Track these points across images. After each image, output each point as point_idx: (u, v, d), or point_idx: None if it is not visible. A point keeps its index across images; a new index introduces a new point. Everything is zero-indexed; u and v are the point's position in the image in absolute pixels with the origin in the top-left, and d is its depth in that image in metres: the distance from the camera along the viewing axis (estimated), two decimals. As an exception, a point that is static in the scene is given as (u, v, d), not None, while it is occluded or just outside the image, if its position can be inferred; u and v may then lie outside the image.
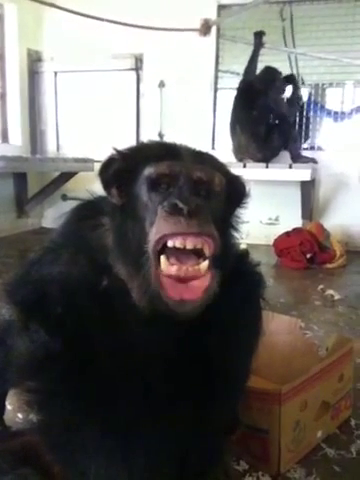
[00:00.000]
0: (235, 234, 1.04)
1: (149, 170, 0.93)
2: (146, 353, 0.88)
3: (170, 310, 0.87)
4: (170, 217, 0.87)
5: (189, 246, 0.87)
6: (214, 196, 0.95)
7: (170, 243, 0.87)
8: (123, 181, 0.97)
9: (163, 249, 0.89)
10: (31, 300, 0.94)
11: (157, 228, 0.88)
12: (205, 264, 0.88)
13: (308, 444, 1.40)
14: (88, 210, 1.09)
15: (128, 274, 0.95)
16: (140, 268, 0.90)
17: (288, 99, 4.57)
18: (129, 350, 0.88)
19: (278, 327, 1.66)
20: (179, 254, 0.90)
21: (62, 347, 0.88)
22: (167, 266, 0.87)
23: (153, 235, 0.89)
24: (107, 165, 0.98)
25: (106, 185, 0.99)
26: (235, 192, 1.01)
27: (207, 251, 0.89)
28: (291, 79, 4.57)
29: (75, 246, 0.99)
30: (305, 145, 4.84)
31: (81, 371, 0.87)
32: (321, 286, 3.23)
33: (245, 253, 1.11)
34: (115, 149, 0.99)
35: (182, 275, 0.87)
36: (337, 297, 3.03)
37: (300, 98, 4.71)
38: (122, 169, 0.97)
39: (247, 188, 1.05)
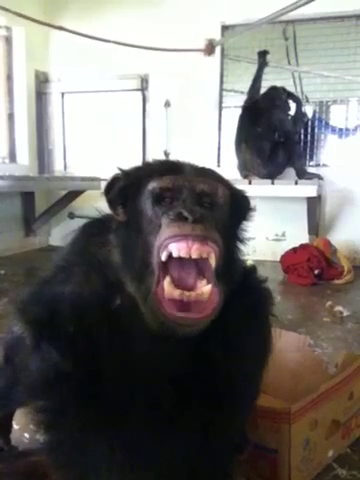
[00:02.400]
0: (241, 247, 1.04)
1: (152, 185, 0.94)
2: (155, 370, 0.87)
3: (170, 329, 0.87)
4: (175, 223, 0.87)
5: (194, 255, 0.86)
6: (218, 208, 0.95)
7: (175, 252, 0.87)
8: (127, 198, 0.98)
9: (167, 263, 0.89)
10: (43, 319, 0.93)
11: (161, 234, 0.89)
12: (208, 288, 0.88)
13: (318, 464, 1.37)
14: (96, 228, 1.10)
15: (134, 289, 0.95)
16: (144, 282, 0.91)
17: (292, 116, 4.61)
18: (138, 368, 0.88)
19: (286, 344, 1.64)
20: (181, 269, 0.90)
21: (73, 366, 0.88)
22: (171, 289, 0.87)
23: (157, 242, 0.89)
24: (111, 184, 1.00)
25: (111, 203, 1.00)
26: (239, 205, 1.02)
27: (212, 260, 0.88)
28: (293, 97, 4.61)
29: (86, 264, 0.98)
30: (310, 162, 4.86)
31: (91, 389, 0.87)
32: (329, 302, 3.21)
33: (253, 269, 1.11)
34: (119, 168, 1.02)
35: (185, 300, 0.87)
36: (346, 313, 2.99)
37: (304, 115, 4.75)
38: (126, 186, 0.98)
39: (251, 202, 1.06)
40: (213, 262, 0.89)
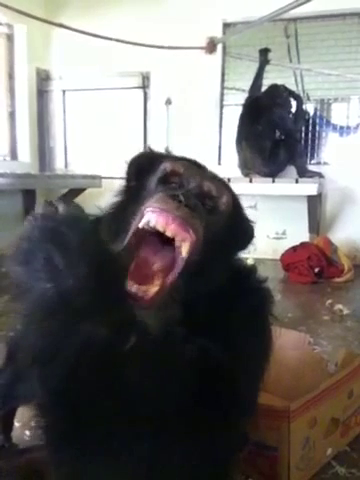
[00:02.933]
0: (227, 265, 1.02)
1: (166, 164, 0.96)
2: (156, 382, 0.85)
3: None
4: (165, 198, 0.87)
5: (169, 233, 0.85)
6: (217, 213, 0.95)
7: (152, 221, 0.85)
8: (141, 173, 1.00)
9: (141, 240, 0.89)
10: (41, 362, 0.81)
11: (148, 203, 0.88)
12: (153, 290, 0.85)
13: (318, 462, 1.38)
14: (95, 226, 1.10)
15: None
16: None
17: (293, 114, 4.60)
18: (139, 388, 0.82)
19: (286, 342, 1.65)
20: (150, 255, 0.89)
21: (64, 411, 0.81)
22: (132, 270, 0.86)
23: (141, 209, 0.89)
24: (137, 157, 1.04)
25: (128, 173, 1.03)
26: (241, 230, 1.01)
27: (185, 249, 0.86)
28: (294, 95, 4.61)
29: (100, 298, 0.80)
30: (311, 160, 4.86)
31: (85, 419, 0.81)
32: (329, 301, 3.21)
33: (253, 269, 1.11)
34: (149, 147, 1.06)
35: (133, 292, 0.84)
36: (346, 312, 3.00)
37: (305, 113, 4.74)
38: (147, 160, 1.01)
39: (254, 234, 1.03)
40: (184, 251, 0.86)
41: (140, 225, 0.87)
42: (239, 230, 1.01)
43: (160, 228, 0.85)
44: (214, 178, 0.98)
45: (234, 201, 1.00)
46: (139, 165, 1.02)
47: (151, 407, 0.82)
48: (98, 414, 0.80)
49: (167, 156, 1.02)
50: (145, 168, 1.00)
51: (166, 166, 0.95)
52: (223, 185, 0.99)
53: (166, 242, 0.89)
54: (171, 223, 0.84)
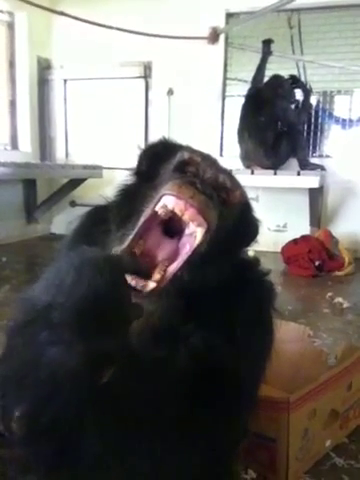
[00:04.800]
0: (233, 256, 1.02)
1: (184, 153, 0.96)
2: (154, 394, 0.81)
3: None
4: (182, 183, 0.87)
5: (186, 217, 0.85)
6: (230, 206, 0.94)
7: (170, 204, 0.85)
8: (155, 161, 1.00)
9: (150, 228, 0.88)
10: (11, 400, 0.75)
11: (165, 186, 0.88)
12: (151, 286, 0.83)
13: (316, 453, 1.39)
14: (101, 214, 1.10)
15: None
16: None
17: (298, 106, 4.58)
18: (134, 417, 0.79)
19: (286, 335, 1.65)
20: (158, 242, 0.88)
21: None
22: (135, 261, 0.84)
23: (157, 193, 0.89)
24: (153, 144, 1.04)
25: (141, 159, 1.02)
26: (247, 227, 1.01)
27: (199, 236, 0.86)
28: (299, 83, 4.57)
29: (73, 328, 0.69)
30: (313, 153, 4.84)
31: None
32: (330, 294, 3.21)
33: (255, 261, 1.11)
34: (163, 136, 1.07)
35: (132, 284, 0.83)
36: (346, 305, 3.01)
37: (311, 106, 4.71)
38: (162, 149, 1.01)
39: (258, 230, 1.04)
40: (199, 237, 0.86)
41: (157, 208, 0.87)
42: (247, 225, 1.01)
43: (178, 211, 0.85)
44: (228, 172, 0.98)
45: (245, 196, 1.00)
46: (154, 152, 1.02)
47: (148, 407, 0.82)
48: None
49: (183, 146, 1.02)
50: (160, 155, 1.00)
51: (184, 154, 0.95)
52: (236, 179, 0.99)
53: (169, 234, 0.89)
54: (189, 208, 0.85)
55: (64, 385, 0.68)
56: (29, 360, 0.70)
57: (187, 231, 0.87)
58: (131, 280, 0.82)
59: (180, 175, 0.92)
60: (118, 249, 0.86)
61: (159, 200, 0.88)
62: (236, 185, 0.97)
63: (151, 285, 0.84)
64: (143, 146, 1.05)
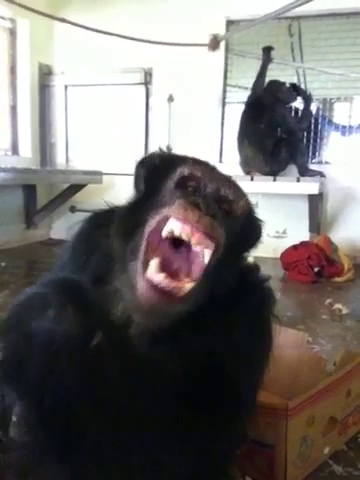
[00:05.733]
0: (239, 264, 1.03)
1: (183, 168, 0.94)
2: (149, 396, 0.83)
3: (140, 310, 0.87)
4: (187, 205, 0.87)
5: (194, 241, 0.86)
6: (233, 216, 0.95)
7: (177, 230, 0.86)
8: (154, 175, 0.98)
9: (160, 245, 0.89)
10: (10, 364, 0.83)
11: (170, 210, 0.88)
12: (190, 286, 0.87)
13: (315, 460, 1.38)
14: (103, 219, 1.10)
15: (122, 279, 0.95)
16: (135, 258, 0.89)
17: (300, 113, 4.59)
18: (126, 402, 0.81)
19: (285, 341, 1.64)
20: (171, 255, 0.89)
21: (40, 411, 0.81)
22: (154, 272, 0.86)
23: (162, 215, 0.89)
24: (149, 158, 1.02)
25: (137, 176, 1.01)
26: (251, 229, 1.01)
27: (207, 256, 0.88)
28: (299, 90, 4.59)
29: (63, 295, 0.82)
30: (313, 159, 4.85)
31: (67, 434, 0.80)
32: (329, 300, 3.21)
33: (255, 268, 1.11)
34: (160, 148, 1.03)
35: (163, 286, 0.86)
36: (345, 311, 3.00)
37: (311, 114, 4.73)
38: (159, 164, 0.99)
39: (262, 231, 1.05)
40: (207, 258, 0.88)
41: (164, 234, 0.88)
42: (251, 230, 1.01)
43: (185, 237, 0.86)
44: (229, 182, 0.97)
45: (248, 203, 0.99)
46: (152, 167, 1.00)
47: (142, 407, 0.82)
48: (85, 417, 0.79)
49: (180, 157, 1.01)
50: (159, 169, 0.98)
51: (184, 170, 0.94)
52: (238, 188, 0.98)
53: (179, 244, 0.91)
54: (195, 233, 0.86)
55: (60, 349, 0.76)
56: (27, 332, 0.79)
57: (198, 249, 0.89)
58: (163, 280, 0.85)
59: (182, 192, 0.92)
60: (134, 263, 0.88)
61: (164, 220, 0.88)
62: (239, 195, 0.96)
63: (187, 286, 0.87)
64: (140, 158, 1.02)
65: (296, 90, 4.57)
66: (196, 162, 0.98)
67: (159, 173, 0.98)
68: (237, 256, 1.02)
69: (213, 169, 0.99)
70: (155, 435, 0.83)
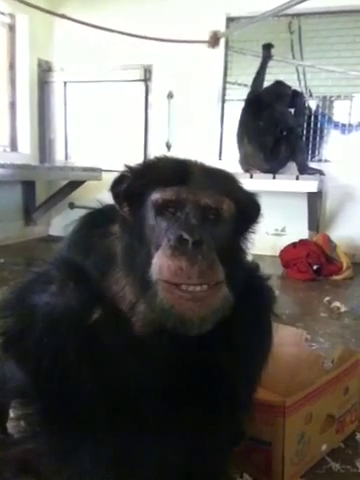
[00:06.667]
0: (244, 256, 1.03)
1: (156, 195, 0.92)
2: (142, 380, 0.84)
3: (181, 325, 0.86)
4: (173, 255, 0.85)
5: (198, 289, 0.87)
6: (222, 221, 0.94)
7: (175, 280, 0.86)
8: (133, 199, 0.96)
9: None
10: (12, 333, 0.87)
11: (160, 265, 0.87)
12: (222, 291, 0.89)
13: (312, 457, 1.38)
14: (97, 218, 1.10)
15: (135, 293, 0.96)
16: (147, 288, 0.89)
17: (294, 111, 4.58)
18: (122, 380, 0.84)
19: (283, 339, 1.64)
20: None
21: (43, 384, 0.84)
22: (173, 292, 0.87)
23: (156, 267, 0.88)
24: (118, 182, 0.98)
25: (117, 201, 0.98)
26: (247, 213, 1.00)
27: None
28: (294, 91, 4.58)
29: (66, 270, 0.89)
30: (312, 157, 4.85)
31: (69, 404, 0.84)
32: (327, 298, 3.22)
33: (255, 267, 1.11)
34: (126, 165, 0.99)
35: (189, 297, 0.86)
36: (343, 309, 3.00)
37: (305, 108, 4.71)
38: (131, 189, 0.96)
39: (261, 210, 1.04)
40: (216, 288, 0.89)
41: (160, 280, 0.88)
42: (246, 213, 0.99)
43: (184, 285, 0.86)
44: (209, 186, 0.94)
45: (237, 195, 0.98)
46: (127, 191, 0.96)
47: (143, 400, 0.82)
48: (83, 400, 0.82)
49: (151, 175, 0.96)
50: (134, 195, 0.96)
51: (157, 198, 0.92)
52: (219, 189, 0.95)
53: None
54: (194, 278, 0.85)
55: (60, 320, 0.82)
56: (30, 303, 0.85)
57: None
58: (189, 286, 0.85)
59: (163, 221, 0.91)
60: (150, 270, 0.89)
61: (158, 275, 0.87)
62: (219, 200, 0.93)
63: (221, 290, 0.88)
64: (112, 182, 1.00)
65: (294, 97, 4.54)
66: (168, 177, 0.93)
67: (136, 198, 0.95)
68: (238, 243, 1.01)
69: (189, 174, 0.94)
70: (151, 428, 0.84)
